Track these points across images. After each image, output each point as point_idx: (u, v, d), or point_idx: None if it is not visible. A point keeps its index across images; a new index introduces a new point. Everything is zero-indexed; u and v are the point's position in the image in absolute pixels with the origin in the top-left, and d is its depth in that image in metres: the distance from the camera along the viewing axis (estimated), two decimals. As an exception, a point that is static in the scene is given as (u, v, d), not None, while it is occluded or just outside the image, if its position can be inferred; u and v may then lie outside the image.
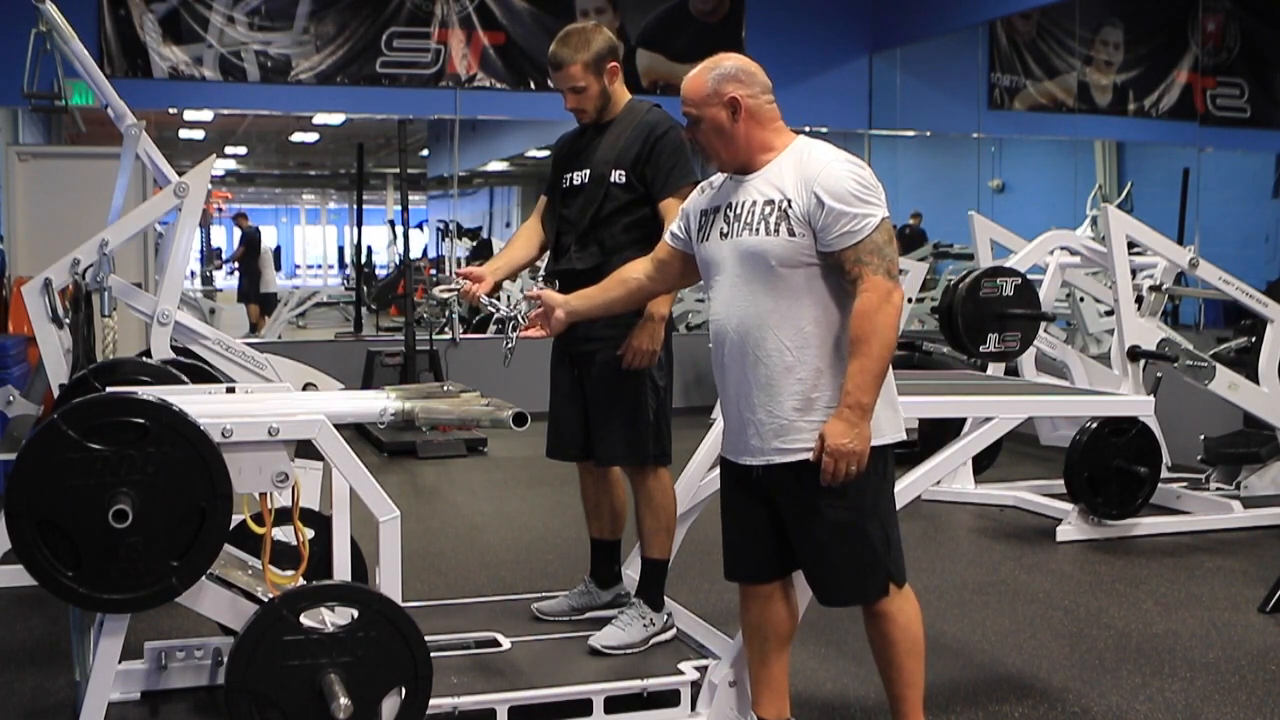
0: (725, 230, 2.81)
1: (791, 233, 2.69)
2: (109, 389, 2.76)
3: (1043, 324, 6.12)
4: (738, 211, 2.79)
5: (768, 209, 2.73)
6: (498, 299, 3.37)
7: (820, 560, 2.80)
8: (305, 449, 2.90)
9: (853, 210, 2.65)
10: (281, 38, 9.24)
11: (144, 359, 4.53)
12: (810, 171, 2.70)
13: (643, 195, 3.53)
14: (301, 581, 2.86)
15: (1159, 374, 6.10)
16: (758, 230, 2.73)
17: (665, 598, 3.66)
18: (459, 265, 11.35)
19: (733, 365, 2.81)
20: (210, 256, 14.92)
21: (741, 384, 2.79)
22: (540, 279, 3.79)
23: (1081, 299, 7.91)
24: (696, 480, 3.65)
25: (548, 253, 3.79)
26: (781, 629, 2.96)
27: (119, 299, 4.61)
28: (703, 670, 3.30)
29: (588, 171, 3.58)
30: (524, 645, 3.55)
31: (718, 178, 2.92)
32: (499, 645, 3.54)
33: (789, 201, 2.70)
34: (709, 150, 2.83)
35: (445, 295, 3.58)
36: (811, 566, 2.84)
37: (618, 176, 3.53)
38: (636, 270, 3.15)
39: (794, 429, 2.73)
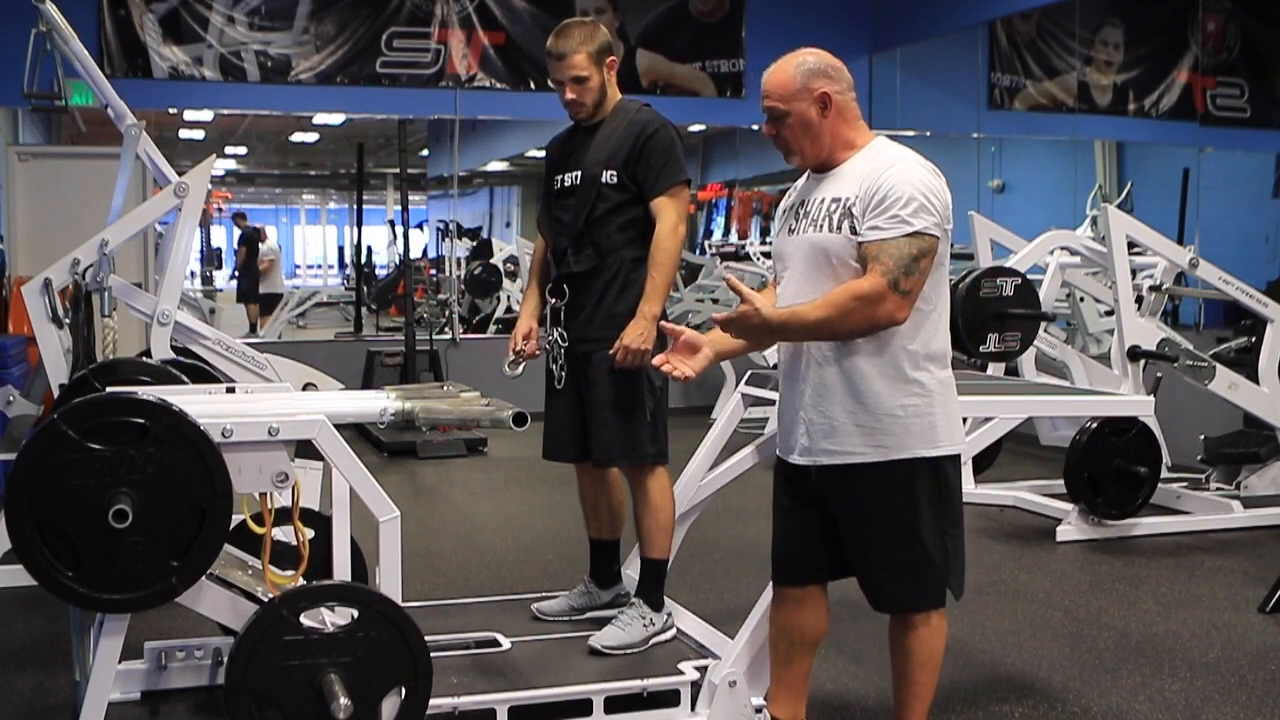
0: (794, 227, 2.79)
1: (854, 229, 2.65)
2: (109, 389, 2.76)
3: (1043, 324, 6.12)
4: (808, 209, 2.76)
5: (833, 206, 2.69)
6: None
7: (874, 564, 2.77)
8: (305, 449, 2.90)
9: (894, 211, 2.59)
10: (281, 38, 9.24)
11: (144, 359, 4.53)
12: (878, 167, 2.66)
13: (635, 195, 3.53)
14: (301, 581, 2.86)
15: (1159, 374, 6.10)
16: (821, 227, 2.70)
17: (665, 598, 3.66)
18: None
19: (790, 363, 2.80)
20: (210, 257, 14.89)
21: (796, 382, 2.78)
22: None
23: (1081, 299, 7.90)
24: (696, 480, 3.65)
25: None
26: (810, 634, 2.94)
27: (119, 299, 4.60)
28: (703, 670, 3.29)
29: (579, 173, 3.58)
30: (524, 645, 3.55)
31: (802, 179, 2.89)
32: (499, 645, 3.54)
33: (854, 199, 2.66)
34: (791, 146, 2.76)
35: (517, 373, 3.70)
36: (865, 570, 2.81)
37: (609, 177, 3.53)
38: None
39: (843, 431, 2.70)
